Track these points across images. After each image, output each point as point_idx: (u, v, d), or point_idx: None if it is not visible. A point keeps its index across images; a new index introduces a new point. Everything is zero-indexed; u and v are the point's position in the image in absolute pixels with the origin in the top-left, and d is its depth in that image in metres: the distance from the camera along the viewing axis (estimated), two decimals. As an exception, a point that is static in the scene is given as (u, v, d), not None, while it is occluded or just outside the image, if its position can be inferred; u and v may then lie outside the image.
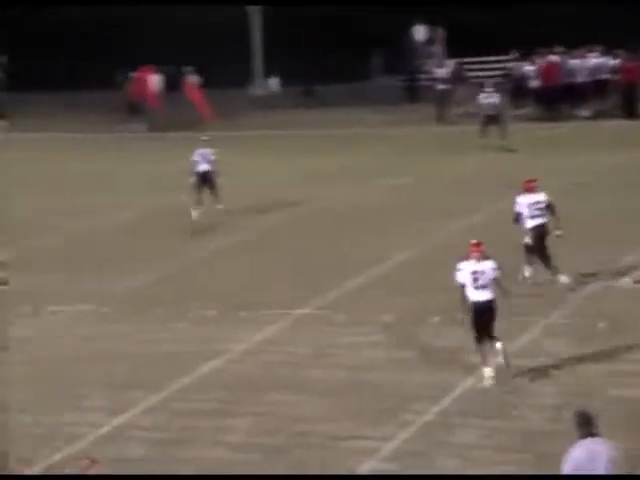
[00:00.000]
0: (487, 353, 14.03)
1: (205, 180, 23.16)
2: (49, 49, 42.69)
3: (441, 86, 35.85)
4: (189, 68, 37.25)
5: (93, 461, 12.29)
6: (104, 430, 13.11)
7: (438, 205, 23.41)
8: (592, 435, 9.65)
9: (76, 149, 33.58)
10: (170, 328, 16.65)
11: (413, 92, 39.37)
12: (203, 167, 23.23)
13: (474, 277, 14.01)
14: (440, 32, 40.03)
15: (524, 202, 17.36)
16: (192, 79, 37.36)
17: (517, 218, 17.40)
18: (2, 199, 25.99)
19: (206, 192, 23.15)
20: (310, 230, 22.34)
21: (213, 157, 23.40)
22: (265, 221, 23.17)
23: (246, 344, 15.78)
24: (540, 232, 17.25)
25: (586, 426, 9.68)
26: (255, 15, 42.75)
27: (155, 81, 38.34)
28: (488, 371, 13.94)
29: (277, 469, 12.04)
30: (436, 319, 16.01)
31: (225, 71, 38.05)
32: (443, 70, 36.67)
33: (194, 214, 22.86)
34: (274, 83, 41.94)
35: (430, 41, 40.47)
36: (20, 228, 23.14)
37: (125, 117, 36.60)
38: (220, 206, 23.11)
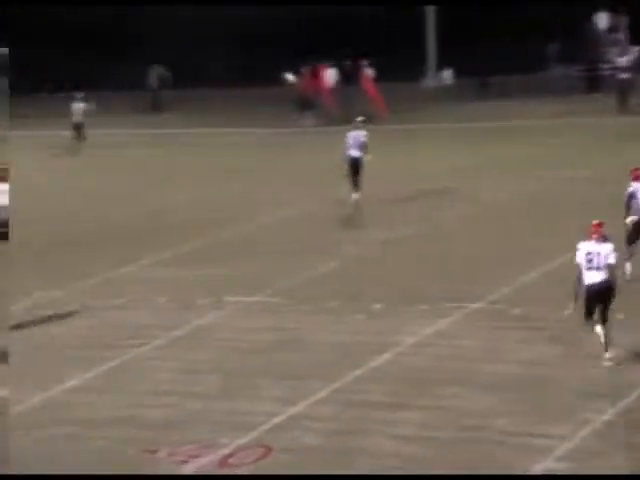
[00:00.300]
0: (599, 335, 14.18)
1: (354, 166, 23.37)
2: (211, 46, 43.81)
3: (623, 75, 35.00)
4: (365, 62, 37.41)
5: (268, 449, 12.58)
6: (279, 419, 13.38)
7: (619, 198, 22.83)
8: None
9: (249, 144, 34.20)
10: (343, 320, 16.84)
11: (592, 82, 38.56)
12: (353, 153, 23.48)
13: (588, 258, 14.07)
14: (623, 19, 39.08)
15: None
16: (368, 72, 37.50)
17: (628, 202, 17.43)
18: (184, 193, 26.77)
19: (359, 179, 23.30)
20: (483, 223, 22.19)
21: (364, 139, 23.53)
22: (438, 213, 23.15)
23: (418, 337, 15.82)
24: None
25: None
26: (430, 7, 42.75)
27: (330, 75, 38.68)
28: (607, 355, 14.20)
29: (447, 463, 12.06)
30: (618, 316, 15.64)
31: (399, 64, 38.15)
32: (625, 58, 35.80)
33: (354, 197, 23.11)
34: (448, 75, 41.75)
35: (613, 29, 39.56)
36: (205, 220, 23.74)
37: (297, 112, 36.96)
38: (357, 195, 23.19)
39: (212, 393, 14.34)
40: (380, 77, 37.03)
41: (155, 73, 42.23)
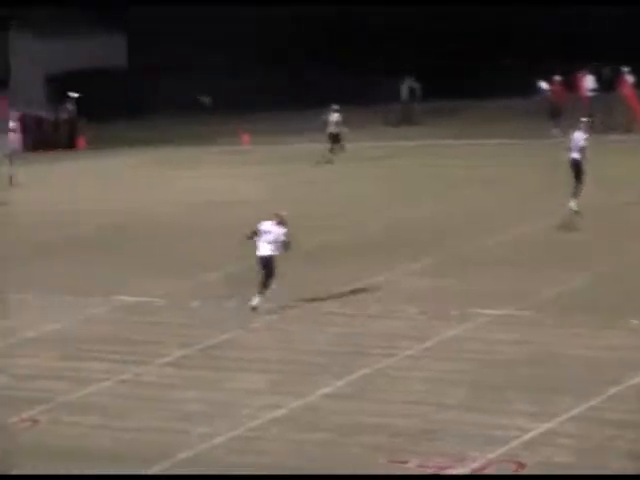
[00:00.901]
0: None
1: (574, 169, 23.30)
2: (454, 57, 43.79)
3: None
4: (626, 68, 36.31)
5: (520, 465, 12.45)
6: (530, 435, 13.22)
7: None
8: None
9: (500, 154, 33.88)
10: (598, 335, 16.44)
11: None
12: (573, 155, 23.36)
13: None
14: None
15: None
16: (629, 79, 36.34)
17: None
18: (435, 203, 26.87)
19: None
20: None
21: (583, 143, 23.25)
22: None
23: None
24: None
25: None
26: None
27: (588, 82, 37.80)
28: None
29: None
30: None
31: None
32: None
33: (570, 205, 23.07)
34: None
35: None
36: (457, 230, 23.69)
37: (550, 122, 36.21)
38: (572, 204, 22.94)
39: (462, 405, 14.32)
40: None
41: (406, 86, 42.61)
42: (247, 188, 30.58)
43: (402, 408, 14.34)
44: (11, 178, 32.63)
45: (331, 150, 33.89)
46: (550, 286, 18.92)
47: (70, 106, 41.42)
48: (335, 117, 34.25)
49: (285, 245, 18.53)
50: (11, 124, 35.32)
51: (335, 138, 33.94)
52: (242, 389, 15.39)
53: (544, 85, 37.66)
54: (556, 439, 13.10)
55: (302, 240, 23.69)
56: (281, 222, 18.55)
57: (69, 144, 41.05)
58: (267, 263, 18.42)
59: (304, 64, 45.99)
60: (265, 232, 18.47)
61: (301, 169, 33.44)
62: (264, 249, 18.48)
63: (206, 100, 47.96)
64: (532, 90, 38.25)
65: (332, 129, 34.11)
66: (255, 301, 18.38)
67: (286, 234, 18.46)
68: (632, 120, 35.06)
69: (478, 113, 40.46)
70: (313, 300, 19.18)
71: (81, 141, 40.96)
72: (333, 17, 46.75)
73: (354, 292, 19.61)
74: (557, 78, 37.15)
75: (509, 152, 34.00)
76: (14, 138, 33.94)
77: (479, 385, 14.92)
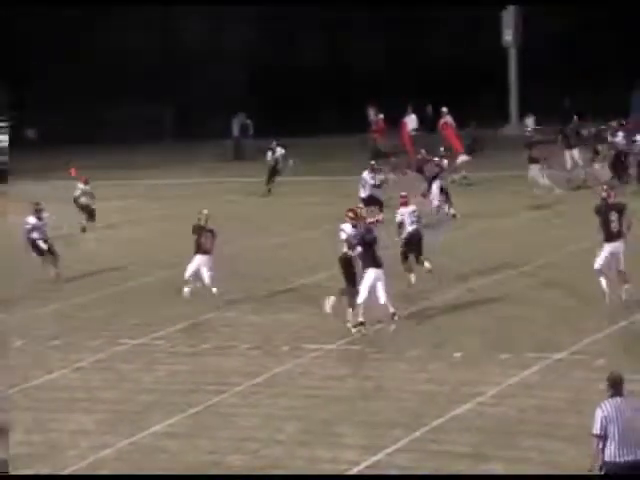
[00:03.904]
0: None
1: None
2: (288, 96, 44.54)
3: None
4: (445, 108, 37.38)
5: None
6: (359, 468, 13.35)
7: None
8: None
9: (327, 191, 34.31)
10: (424, 369, 16.75)
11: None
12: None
13: None
14: None
15: None
16: (447, 119, 37.42)
17: None
18: (261, 239, 26.89)
19: None
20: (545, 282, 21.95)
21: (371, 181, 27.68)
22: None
23: (499, 387, 15.68)
24: None
25: None
26: (511, 52, 42.91)
27: (410, 122, 38.76)
28: None
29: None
30: None
31: (480, 111, 38.14)
32: None
33: None
34: (530, 122, 41.60)
35: None
36: (288, 266, 23.77)
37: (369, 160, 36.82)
38: None
39: (293, 440, 14.35)
40: (463, 124, 36.95)
41: (237, 122, 42.82)
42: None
43: (233, 445, 14.26)
44: None
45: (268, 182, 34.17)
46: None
47: None
48: (280, 152, 34.42)
49: None
50: None
51: (274, 171, 34.22)
52: (68, 430, 15.04)
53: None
54: (385, 471, 13.23)
55: (118, 277, 23.39)
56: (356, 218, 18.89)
57: None
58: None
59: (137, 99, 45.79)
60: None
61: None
62: None
63: (31, 133, 47.10)
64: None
65: (273, 163, 34.21)
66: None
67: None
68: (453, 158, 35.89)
69: (309, 150, 40.89)
70: (141, 338, 18.96)
71: None
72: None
73: (184, 330, 19.45)
74: (380, 116, 37.83)
75: (337, 189, 34.36)
76: None
77: (310, 420, 14.96)
